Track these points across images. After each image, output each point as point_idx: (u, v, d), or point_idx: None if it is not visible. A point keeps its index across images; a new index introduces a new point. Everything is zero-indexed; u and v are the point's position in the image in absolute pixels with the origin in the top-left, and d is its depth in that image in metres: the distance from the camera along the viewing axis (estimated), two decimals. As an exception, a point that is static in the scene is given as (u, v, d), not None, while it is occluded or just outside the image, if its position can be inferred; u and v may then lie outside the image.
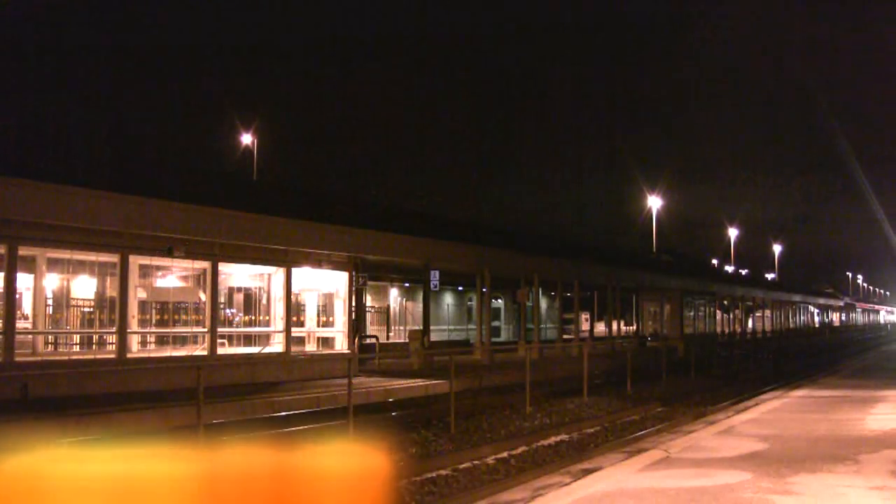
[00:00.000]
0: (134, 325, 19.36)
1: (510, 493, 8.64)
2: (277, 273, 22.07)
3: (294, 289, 22.20)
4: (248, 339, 22.87)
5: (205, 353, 19.08)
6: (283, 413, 15.29)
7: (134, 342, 19.21)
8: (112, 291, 18.36)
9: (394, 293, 39.03)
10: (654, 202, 56.41)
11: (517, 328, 39.83)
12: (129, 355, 17.86)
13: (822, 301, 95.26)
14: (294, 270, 21.56)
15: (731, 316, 61.24)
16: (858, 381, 19.46)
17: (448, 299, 43.14)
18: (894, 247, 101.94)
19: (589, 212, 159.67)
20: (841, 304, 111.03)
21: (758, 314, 68.83)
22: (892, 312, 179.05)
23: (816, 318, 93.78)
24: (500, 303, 46.70)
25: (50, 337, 19.61)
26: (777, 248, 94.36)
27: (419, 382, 19.89)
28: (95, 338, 19.63)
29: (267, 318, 23.03)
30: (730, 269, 78.95)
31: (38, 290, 18.90)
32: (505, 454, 11.61)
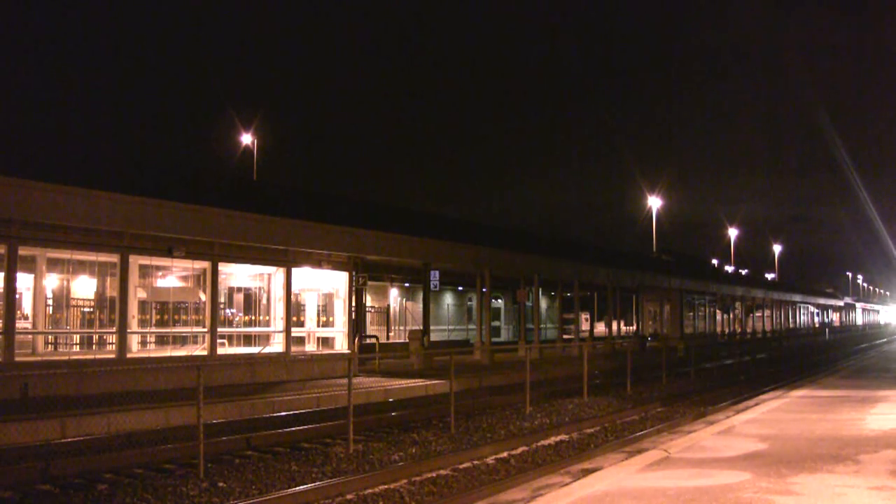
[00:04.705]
0: (134, 325, 19.36)
1: (510, 493, 8.66)
2: (277, 273, 22.06)
3: (294, 289, 22.19)
4: (248, 339, 22.86)
5: (205, 352, 19.09)
6: (283, 413, 15.29)
7: (134, 342, 19.21)
8: (112, 291, 18.35)
9: (394, 293, 39.00)
10: (654, 202, 56.36)
11: (517, 328, 39.81)
12: (129, 355, 17.86)
13: (822, 301, 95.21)
14: (294, 270, 21.55)
15: (731, 316, 61.25)
16: (858, 381, 19.45)
17: (448, 299, 43.12)
18: (891, 248, 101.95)
19: (589, 212, 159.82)
20: (841, 304, 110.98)
21: (758, 314, 68.82)
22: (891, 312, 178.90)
23: (816, 318, 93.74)
24: (500, 303, 46.70)
25: (50, 337, 19.60)
26: (777, 249, 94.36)
27: (419, 382, 19.90)
28: (95, 338, 19.62)
29: (267, 318, 23.03)
30: (730, 269, 78.90)
31: (38, 290, 18.89)
32: (505, 454, 11.61)
